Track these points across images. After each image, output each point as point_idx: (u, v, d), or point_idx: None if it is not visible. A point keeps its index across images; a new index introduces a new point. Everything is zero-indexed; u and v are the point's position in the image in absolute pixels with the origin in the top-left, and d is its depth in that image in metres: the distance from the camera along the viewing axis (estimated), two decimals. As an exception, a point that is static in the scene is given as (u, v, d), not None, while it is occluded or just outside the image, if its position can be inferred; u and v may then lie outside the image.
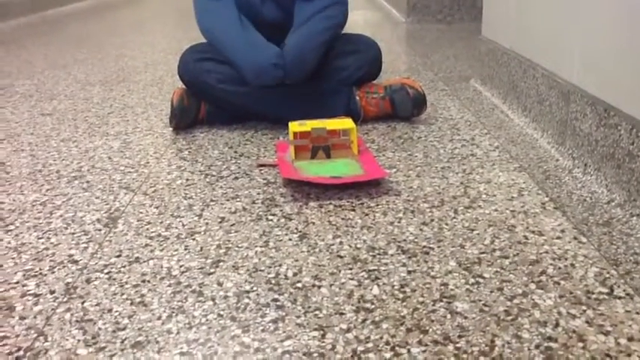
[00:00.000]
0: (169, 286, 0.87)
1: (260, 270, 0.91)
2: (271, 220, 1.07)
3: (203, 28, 1.60)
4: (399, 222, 1.05)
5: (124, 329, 0.78)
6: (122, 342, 0.75)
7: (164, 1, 6.24)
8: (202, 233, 1.03)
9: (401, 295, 0.83)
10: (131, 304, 0.83)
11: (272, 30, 1.59)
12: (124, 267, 0.93)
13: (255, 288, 0.86)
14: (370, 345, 0.73)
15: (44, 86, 2.24)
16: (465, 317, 0.77)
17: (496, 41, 1.82)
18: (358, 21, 3.74)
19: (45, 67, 2.63)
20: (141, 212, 1.13)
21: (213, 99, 1.59)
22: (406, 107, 1.59)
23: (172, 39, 3.41)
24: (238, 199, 1.16)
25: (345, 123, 1.35)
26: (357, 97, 1.60)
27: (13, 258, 0.98)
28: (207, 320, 0.79)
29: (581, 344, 0.72)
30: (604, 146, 1.13)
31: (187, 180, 1.27)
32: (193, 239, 1.01)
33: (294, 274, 0.89)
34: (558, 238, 0.97)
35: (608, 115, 1.12)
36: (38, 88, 2.22)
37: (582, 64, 1.25)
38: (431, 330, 0.75)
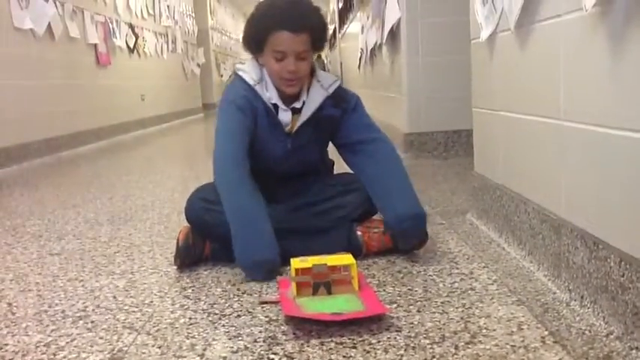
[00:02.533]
0: None
1: (261, 412, 0.90)
2: (273, 359, 1.08)
3: (217, 182, 1.60)
4: (400, 359, 1.05)
5: None
6: None
7: (172, 142, 6.56)
8: (204, 374, 1.03)
9: None
10: None
11: (283, 178, 1.69)
12: (125, 411, 0.93)
13: None
14: None
15: (54, 226, 2.32)
16: None
17: (488, 177, 1.91)
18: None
19: (55, 206, 2.73)
20: (143, 352, 1.13)
21: (218, 237, 1.64)
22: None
23: (179, 177, 3.55)
24: (240, 338, 1.17)
25: (346, 259, 1.39)
26: (359, 233, 1.65)
27: (13, 403, 0.98)
28: None
29: None
30: (597, 278, 1.16)
31: (190, 319, 1.29)
32: (195, 380, 1.01)
33: (296, 416, 0.88)
34: (560, 373, 0.97)
35: (597, 247, 1.16)
36: (48, 227, 2.29)
37: (568, 199, 1.32)
38: None
